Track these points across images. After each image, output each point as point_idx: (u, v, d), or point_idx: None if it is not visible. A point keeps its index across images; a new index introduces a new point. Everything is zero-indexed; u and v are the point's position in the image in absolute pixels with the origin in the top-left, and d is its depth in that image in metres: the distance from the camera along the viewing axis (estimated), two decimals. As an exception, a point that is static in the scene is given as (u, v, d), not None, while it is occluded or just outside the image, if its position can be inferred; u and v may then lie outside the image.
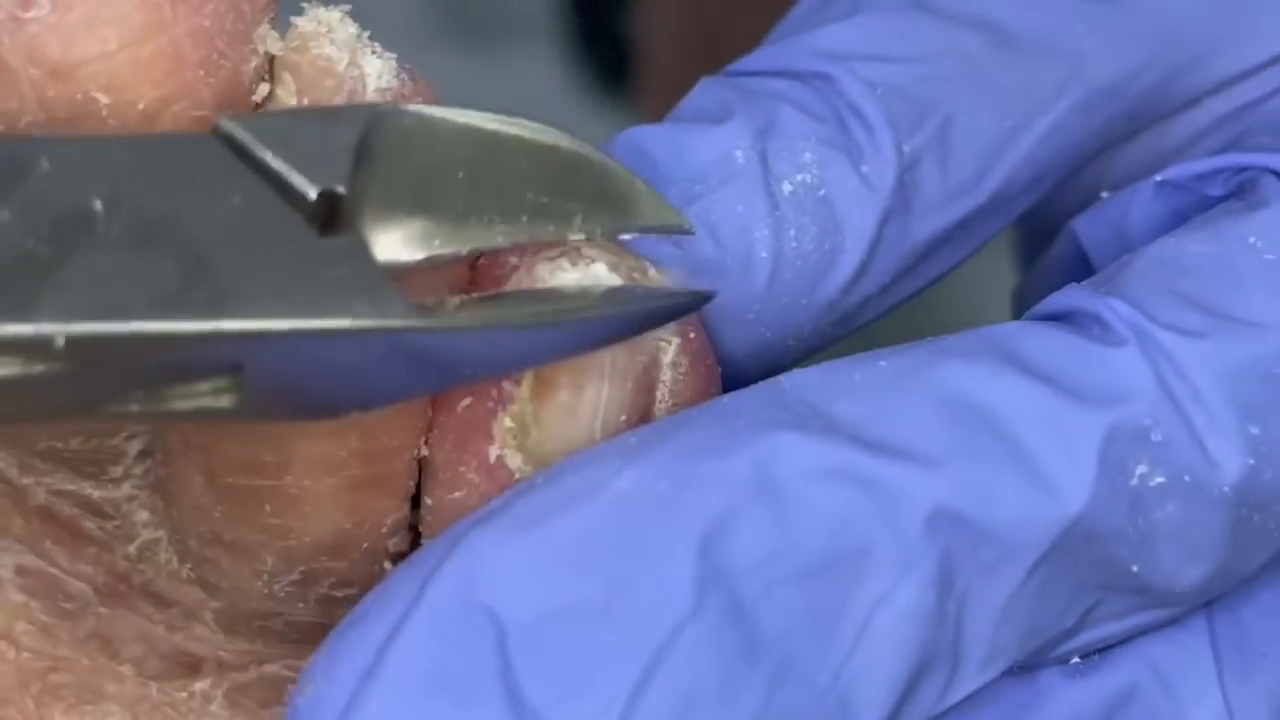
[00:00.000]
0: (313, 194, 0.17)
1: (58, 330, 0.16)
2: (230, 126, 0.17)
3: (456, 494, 0.19)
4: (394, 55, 0.18)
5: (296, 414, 0.18)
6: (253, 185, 0.17)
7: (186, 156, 0.17)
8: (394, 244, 0.17)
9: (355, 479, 0.19)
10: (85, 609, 0.21)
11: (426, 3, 0.92)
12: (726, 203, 0.20)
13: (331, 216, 0.17)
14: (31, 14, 0.17)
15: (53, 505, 0.21)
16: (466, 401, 0.19)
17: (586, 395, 0.19)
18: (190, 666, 0.21)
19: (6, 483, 0.21)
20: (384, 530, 0.20)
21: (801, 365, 0.20)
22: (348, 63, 0.18)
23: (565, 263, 0.18)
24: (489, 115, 0.18)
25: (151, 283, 0.17)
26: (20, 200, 0.17)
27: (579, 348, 0.18)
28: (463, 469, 0.19)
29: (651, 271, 0.19)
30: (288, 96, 0.18)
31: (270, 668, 0.22)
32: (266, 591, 0.20)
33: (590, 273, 0.18)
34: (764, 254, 0.20)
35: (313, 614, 0.21)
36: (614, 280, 0.18)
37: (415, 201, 0.18)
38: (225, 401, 0.17)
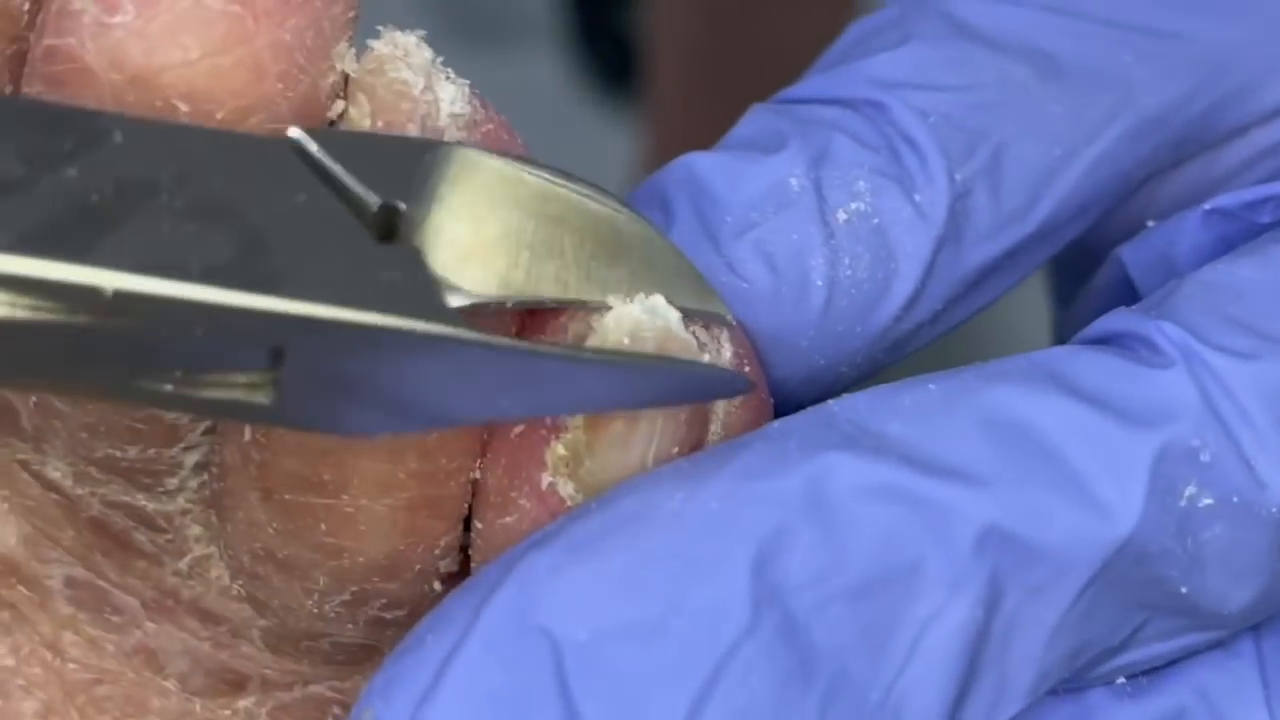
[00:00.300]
0: (374, 203, 0.17)
1: (108, 280, 0.16)
2: (300, 136, 0.17)
3: (508, 519, 0.19)
4: (468, 82, 0.18)
5: (330, 424, 0.18)
6: (316, 187, 0.17)
7: (256, 152, 0.17)
8: (446, 274, 0.17)
9: (411, 500, 0.19)
10: (132, 623, 0.21)
11: (430, 2, 0.92)
12: (782, 231, 0.20)
13: (390, 230, 0.18)
14: (116, 19, 0.17)
15: (105, 517, 0.21)
16: (520, 428, 0.19)
17: (640, 427, 0.19)
18: (235, 684, 0.21)
19: (60, 493, 0.20)
20: (436, 552, 0.20)
21: (851, 392, 0.20)
22: (423, 87, 0.18)
23: (619, 299, 0.19)
24: (556, 173, 0.18)
25: (207, 253, 0.17)
26: (89, 162, 0.17)
27: (623, 397, 0.18)
28: (514, 494, 0.19)
29: (714, 303, 0.19)
30: (361, 118, 0.18)
31: (315, 688, 0.21)
32: (316, 611, 0.20)
33: (649, 305, 0.18)
34: (819, 282, 0.20)
35: (361, 635, 0.21)
36: (672, 314, 0.19)
37: (472, 239, 0.18)
38: (261, 397, 0.17)
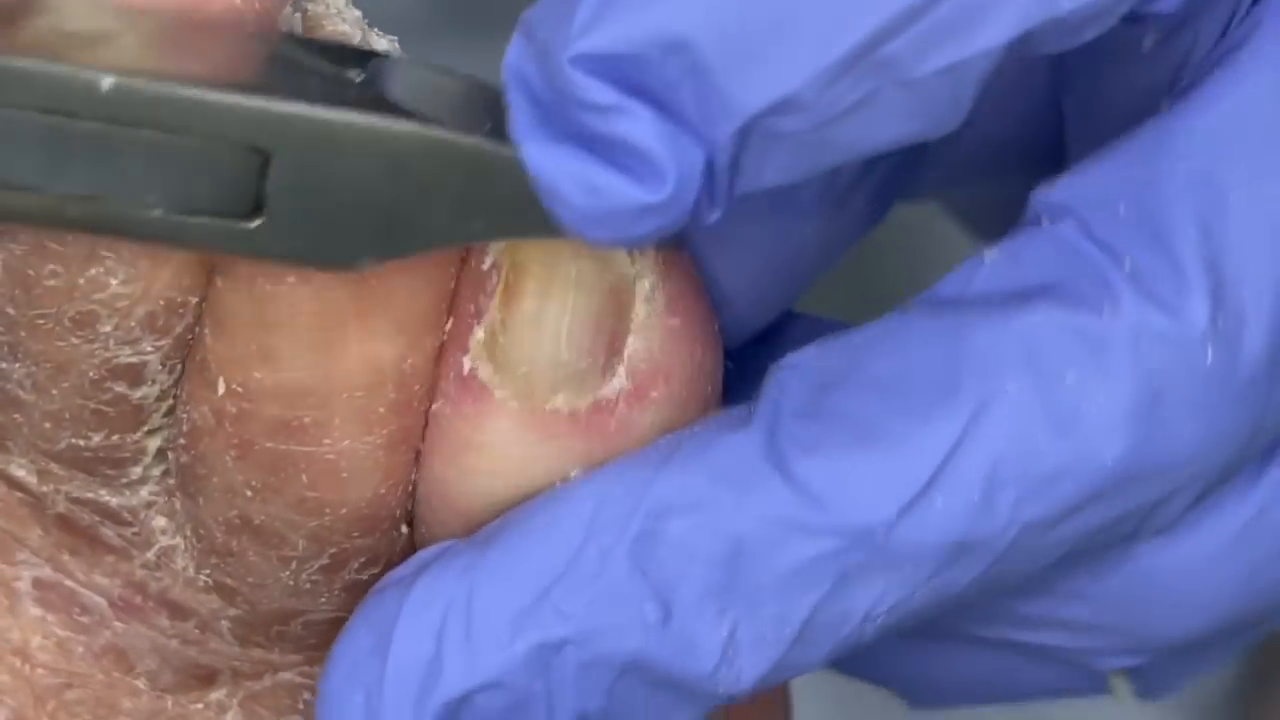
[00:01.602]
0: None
1: (105, 77, 0.17)
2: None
3: (436, 404, 0.19)
4: (395, 37, 0.19)
5: (314, 252, 0.18)
6: (296, 43, 0.19)
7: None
8: None
9: (391, 436, 0.19)
10: (101, 623, 0.21)
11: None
12: None
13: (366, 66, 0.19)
14: None
15: (72, 514, 0.21)
16: (451, 322, 0.19)
17: (552, 303, 0.19)
18: (204, 678, 0.21)
19: (26, 491, 0.21)
20: (408, 488, 0.20)
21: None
22: (360, 39, 0.19)
23: None
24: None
25: (199, 67, 0.17)
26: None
27: None
28: (442, 381, 0.19)
29: None
30: None
31: (285, 675, 0.21)
32: (292, 584, 0.20)
33: None
34: None
35: (333, 608, 0.21)
36: None
37: None
38: (246, 220, 0.18)
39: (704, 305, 0.20)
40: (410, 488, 0.20)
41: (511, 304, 0.19)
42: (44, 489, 0.20)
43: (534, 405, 0.19)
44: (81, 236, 0.18)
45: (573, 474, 0.19)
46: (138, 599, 0.21)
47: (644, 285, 0.20)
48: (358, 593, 0.20)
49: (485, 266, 0.19)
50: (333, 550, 0.20)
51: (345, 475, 0.19)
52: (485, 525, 0.20)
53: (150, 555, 0.21)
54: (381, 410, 0.19)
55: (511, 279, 0.19)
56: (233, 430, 0.19)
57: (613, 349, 0.19)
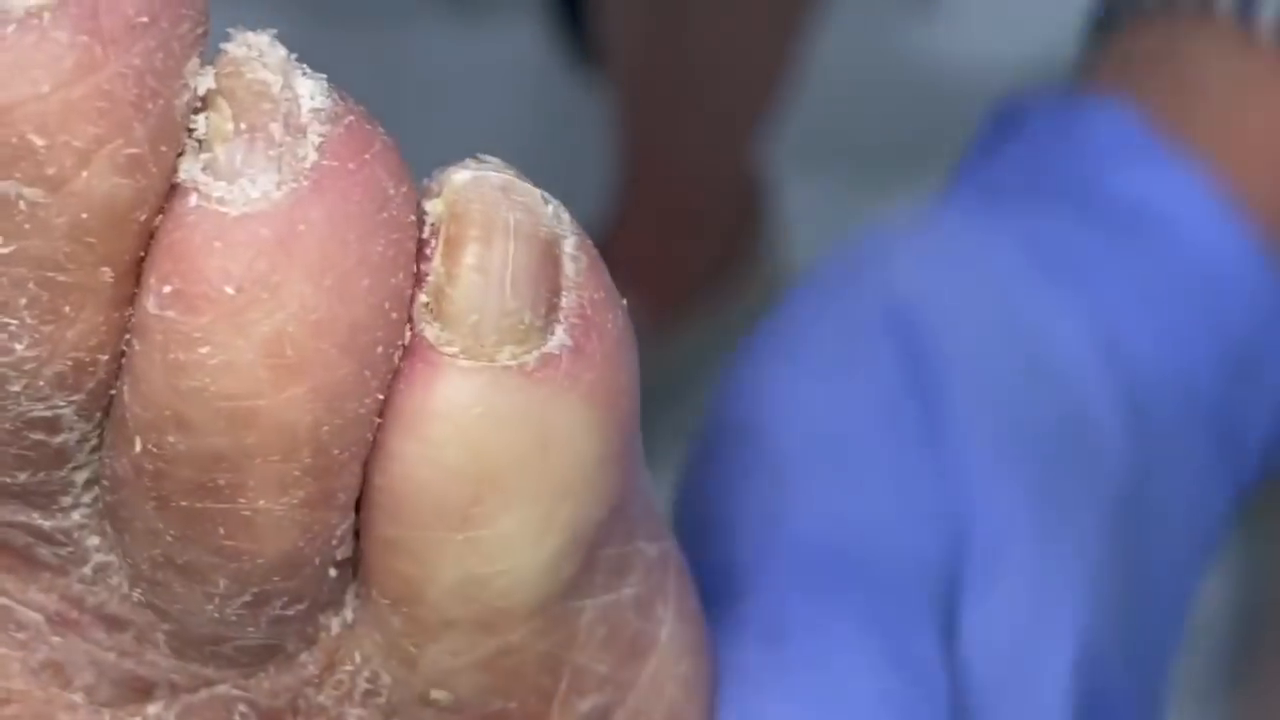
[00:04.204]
0: None
1: None
2: None
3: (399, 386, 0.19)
4: (324, 76, 0.18)
5: None
6: None
7: None
8: None
9: (308, 497, 0.19)
10: (37, 638, 0.21)
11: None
12: None
13: None
14: None
15: (5, 535, 0.21)
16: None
17: (495, 250, 0.19)
18: (142, 691, 0.21)
19: None
20: (334, 542, 0.20)
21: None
22: (281, 85, 0.18)
23: None
24: None
25: None
26: None
27: None
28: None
29: None
30: (223, 122, 0.18)
31: (221, 688, 0.22)
32: (218, 616, 0.20)
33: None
34: None
35: (263, 636, 0.21)
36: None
37: None
38: None
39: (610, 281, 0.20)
40: (336, 539, 0.20)
41: (455, 253, 0.19)
42: None
43: (484, 360, 0.19)
44: None
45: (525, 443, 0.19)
46: (74, 613, 0.21)
47: (569, 244, 0.20)
48: (285, 625, 0.20)
49: (425, 234, 0.19)
50: (255, 590, 0.20)
51: (262, 531, 0.19)
52: (451, 506, 0.19)
53: (86, 570, 0.21)
54: (297, 474, 0.19)
55: (452, 230, 0.19)
56: (150, 485, 0.19)
57: (551, 304, 0.19)
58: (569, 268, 0.20)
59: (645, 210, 0.87)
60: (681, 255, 0.87)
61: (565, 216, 0.20)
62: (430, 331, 0.19)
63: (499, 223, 0.19)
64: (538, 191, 0.20)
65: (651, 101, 0.85)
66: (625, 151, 0.85)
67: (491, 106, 0.91)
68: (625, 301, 0.21)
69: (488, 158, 0.20)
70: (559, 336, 0.19)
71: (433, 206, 0.19)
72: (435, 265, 0.19)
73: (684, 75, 0.83)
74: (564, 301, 0.20)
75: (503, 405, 0.19)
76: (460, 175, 0.20)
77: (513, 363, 0.19)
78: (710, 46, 0.81)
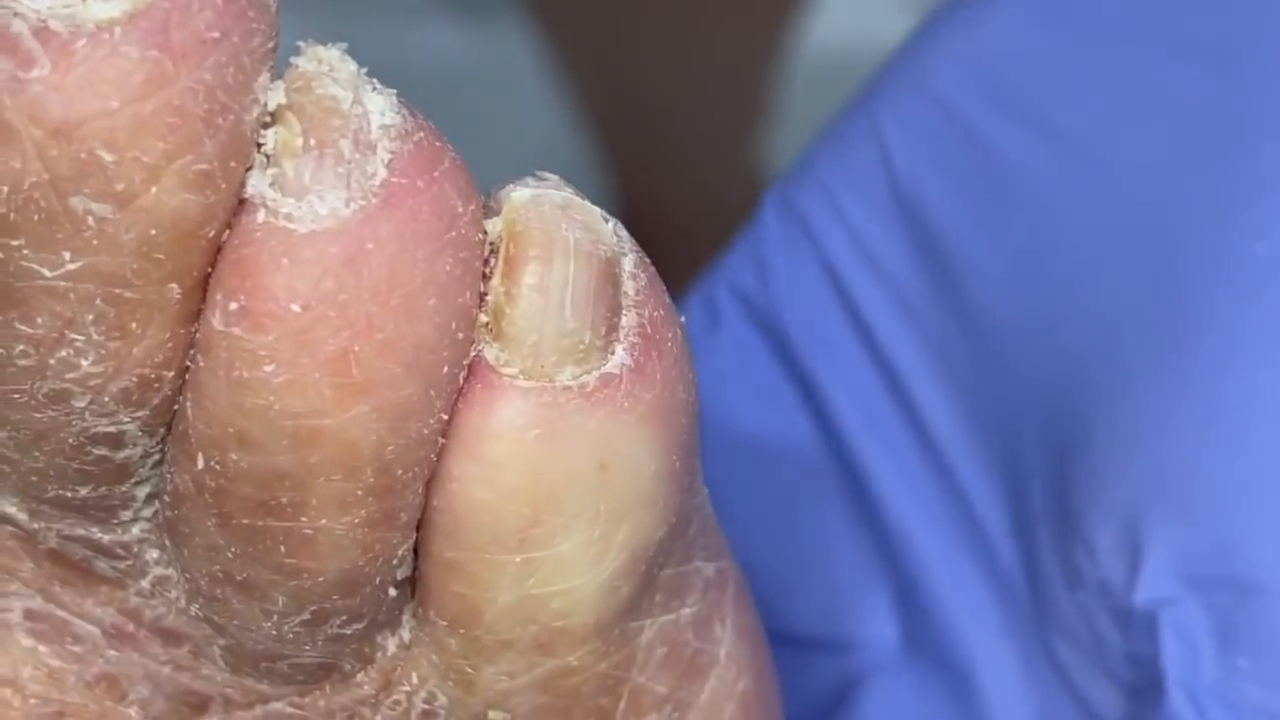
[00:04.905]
0: None
1: None
2: None
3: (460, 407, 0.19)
4: (394, 91, 0.18)
5: None
6: None
7: None
8: None
9: (370, 516, 0.19)
10: (93, 651, 0.21)
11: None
12: None
13: None
14: (33, 74, 0.17)
15: (64, 548, 0.21)
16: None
17: (555, 269, 0.19)
18: (196, 706, 0.21)
19: (17, 526, 0.20)
20: (394, 562, 0.20)
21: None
22: (352, 101, 0.18)
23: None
24: None
25: None
26: None
27: None
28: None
29: None
30: (293, 138, 0.18)
31: (275, 705, 0.21)
32: (275, 634, 0.20)
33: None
34: None
35: (319, 654, 0.21)
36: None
37: None
38: None
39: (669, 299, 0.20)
40: (397, 559, 0.20)
41: (514, 273, 0.19)
42: (35, 526, 0.20)
43: (543, 380, 0.19)
44: (53, 319, 0.18)
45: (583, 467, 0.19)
46: (130, 627, 0.21)
47: (628, 262, 0.20)
48: (342, 643, 0.20)
49: (485, 253, 0.19)
50: (313, 608, 0.20)
51: (323, 549, 0.19)
52: (508, 528, 0.19)
53: (145, 584, 0.21)
54: (359, 493, 0.19)
55: (512, 250, 0.19)
56: (212, 501, 0.19)
57: (611, 323, 0.19)
58: (629, 286, 0.20)
59: (650, 216, 0.86)
60: (685, 262, 0.87)
61: (624, 234, 0.20)
62: (490, 352, 0.19)
63: (559, 242, 0.19)
64: (597, 210, 0.20)
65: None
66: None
67: (492, 108, 0.91)
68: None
69: (547, 175, 0.20)
70: (619, 356, 0.19)
71: (491, 225, 0.19)
72: (494, 285, 0.19)
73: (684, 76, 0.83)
74: (624, 321, 0.19)
75: (562, 426, 0.19)
76: (520, 193, 0.19)
77: (573, 383, 0.19)
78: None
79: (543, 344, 0.19)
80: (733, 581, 0.23)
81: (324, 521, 0.19)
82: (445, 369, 0.19)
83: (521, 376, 0.19)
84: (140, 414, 0.19)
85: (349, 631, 0.20)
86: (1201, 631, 0.24)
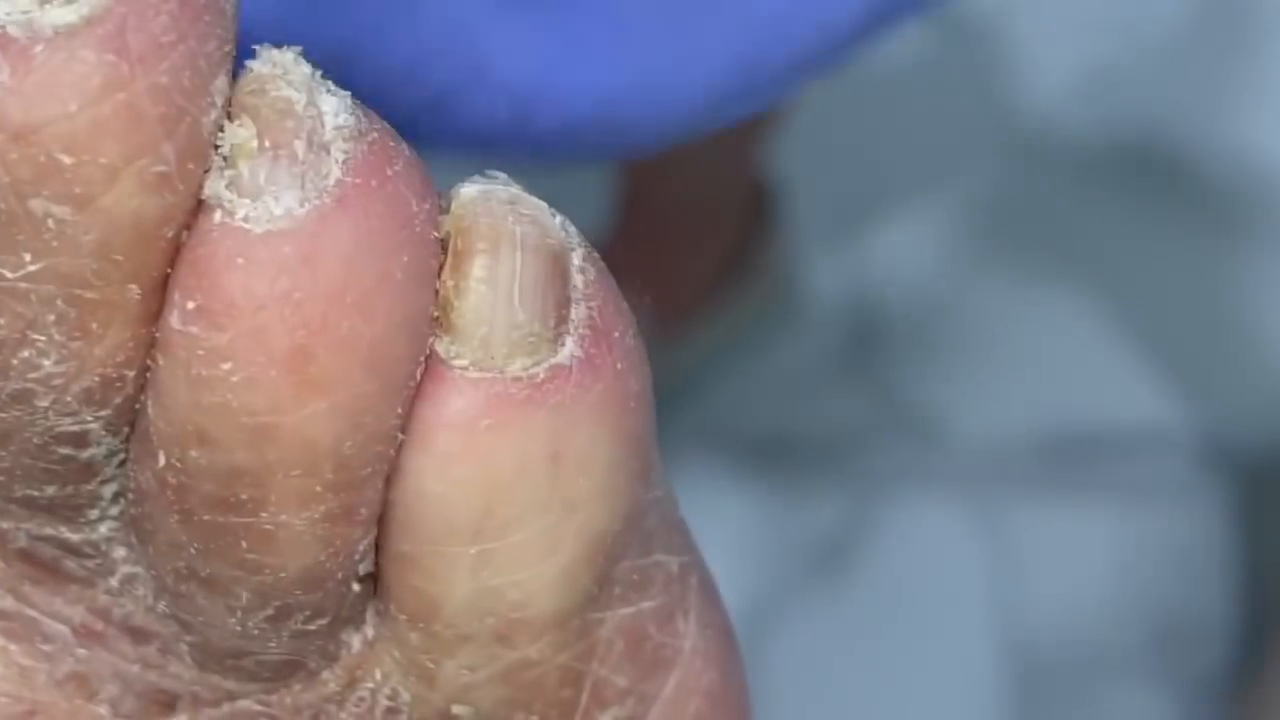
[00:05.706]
0: None
1: None
2: None
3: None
4: (348, 93, 0.19)
5: None
6: None
7: None
8: None
9: (330, 512, 0.19)
10: (63, 650, 0.21)
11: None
12: None
13: None
14: None
15: (33, 547, 0.21)
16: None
17: (503, 262, 0.19)
18: (165, 704, 0.22)
19: None
20: (356, 557, 0.20)
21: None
22: (305, 103, 0.18)
23: None
24: None
25: None
26: None
27: None
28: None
29: None
30: (248, 139, 0.18)
31: (243, 703, 0.22)
32: (240, 630, 0.20)
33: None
34: None
35: (284, 651, 0.21)
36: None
37: None
38: None
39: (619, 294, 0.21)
40: (359, 554, 0.20)
41: (462, 266, 0.19)
42: (5, 525, 0.21)
43: (494, 372, 0.19)
44: (14, 319, 0.18)
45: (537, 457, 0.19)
46: (99, 625, 0.21)
47: (576, 256, 0.20)
48: (307, 640, 0.21)
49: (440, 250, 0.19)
50: (277, 604, 0.20)
51: (284, 545, 0.19)
52: (462, 520, 0.20)
53: (113, 582, 0.21)
54: (319, 489, 0.19)
55: (460, 244, 0.19)
56: (174, 498, 0.19)
57: (560, 315, 0.20)
58: (577, 279, 0.20)
59: (652, 216, 0.87)
60: (688, 261, 0.87)
61: (572, 229, 0.20)
62: (440, 345, 0.19)
63: (506, 235, 0.19)
64: (545, 205, 0.20)
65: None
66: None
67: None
68: (632, 309, 0.21)
69: (495, 173, 0.20)
70: (569, 348, 0.20)
71: (443, 222, 0.20)
72: (444, 279, 0.19)
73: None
74: (573, 313, 0.20)
75: (512, 417, 0.19)
76: (467, 189, 0.20)
77: (523, 374, 0.19)
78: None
79: (492, 336, 0.19)
80: (697, 577, 0.23)
81: (284, 517, 0.19)
82: (402, 365, 0.19)
83: (472, 368, 0.19)
84: (103, 413, 0.19)
85: (313, 628, 0.20)
86: None
